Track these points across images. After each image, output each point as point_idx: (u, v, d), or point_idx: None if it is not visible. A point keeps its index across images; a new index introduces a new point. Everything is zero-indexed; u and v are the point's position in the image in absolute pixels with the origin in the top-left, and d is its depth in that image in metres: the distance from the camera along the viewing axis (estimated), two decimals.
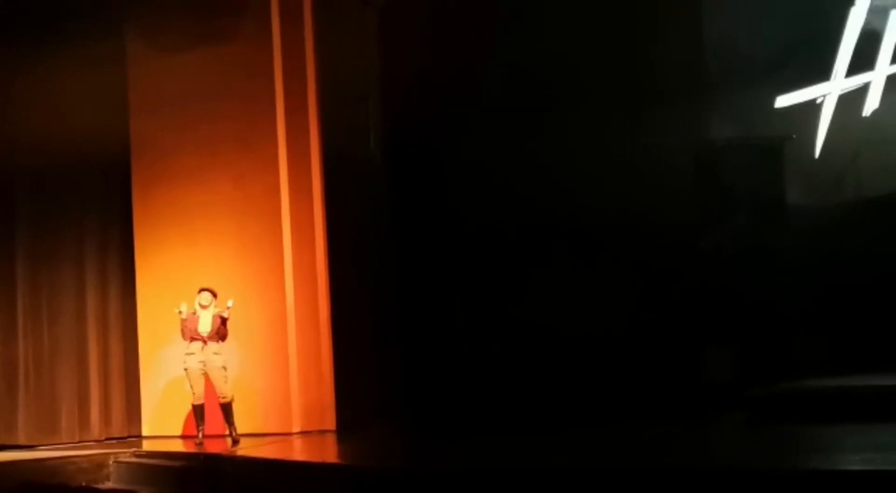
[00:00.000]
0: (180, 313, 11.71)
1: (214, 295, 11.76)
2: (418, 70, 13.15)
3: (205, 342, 11.64)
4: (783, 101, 12.13)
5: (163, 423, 13.08)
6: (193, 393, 11.78)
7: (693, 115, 12.36)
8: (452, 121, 13.17)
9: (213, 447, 11.43)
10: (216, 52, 12.85)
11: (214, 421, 11.96)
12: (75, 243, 13.13)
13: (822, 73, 12.03)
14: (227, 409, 11.74)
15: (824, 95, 12.05)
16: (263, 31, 12.81)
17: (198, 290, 11.79)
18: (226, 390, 11.71)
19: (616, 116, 12.20)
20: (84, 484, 10.88)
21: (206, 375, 11.71)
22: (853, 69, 11.96)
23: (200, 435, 11.73)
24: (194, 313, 11.73)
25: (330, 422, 12.66)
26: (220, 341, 11.71)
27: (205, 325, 11.69)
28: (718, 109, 12.41)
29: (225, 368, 11.77)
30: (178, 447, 12.11)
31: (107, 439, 12.97)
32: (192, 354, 11.71)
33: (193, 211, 13.01)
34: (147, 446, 12.24)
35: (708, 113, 12.49)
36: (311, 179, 12.86)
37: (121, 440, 12.97)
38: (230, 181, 12.86)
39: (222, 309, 11.68)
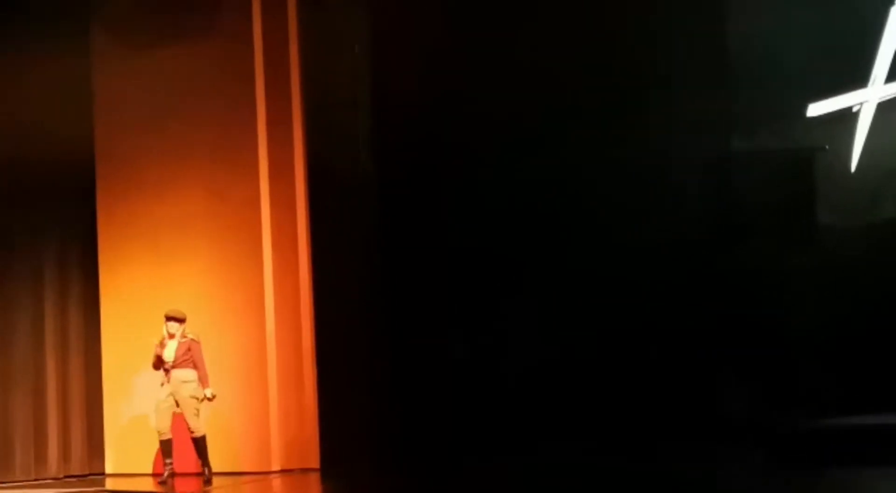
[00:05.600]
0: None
1: (181, 321, 11.50)
2: (411, 73, 12.58)
3: (167, 371, 11.40)
4: (816, 108, 11.45)
5: (128, 459, 12.92)
6: (158, 429, 11.53)
7: (717, 124, 11.64)
8: (448, 130, 12.48)
9: (182, 487, 11.47)
10: (191, 51, 12.80)
11: (187, 458, 11.68)
12: (33, 259, 13.01)
13: (859, 78, 11.35)
14: (199, 444, 11.48)
15: (861, 103, 11.41)
16: (244, 28, 12.73)
17: (164, 317, 11.55)
18: (196, 423, 11.41)
19: (629, 124, 11.51)
20: None
21: (177, 406, 11.46)
22: (893, 75, 11.29)
23: (166, 473, 11.49)
24: (162, 342, 11.52)
25: (313, 460, 12.32)
26: (191, 368, 11.45)
27: (169, 352, 11.43)
28: (744, 117, 11.68)
29: (197, 398, 11.46)
30: (144, 486, 11.98)
31: (66, 476, 12.92)
32: (161, 385, 11.50)
33: (164, 224, 12.91)
34: (110, 484, 12.08)
35: (733, 122, 11.75)
36: (295, 190, 12.71)
37: (81, 477, 12.88)
38: (205, 192, 12.76)
39: (191, 335, 11.52)
